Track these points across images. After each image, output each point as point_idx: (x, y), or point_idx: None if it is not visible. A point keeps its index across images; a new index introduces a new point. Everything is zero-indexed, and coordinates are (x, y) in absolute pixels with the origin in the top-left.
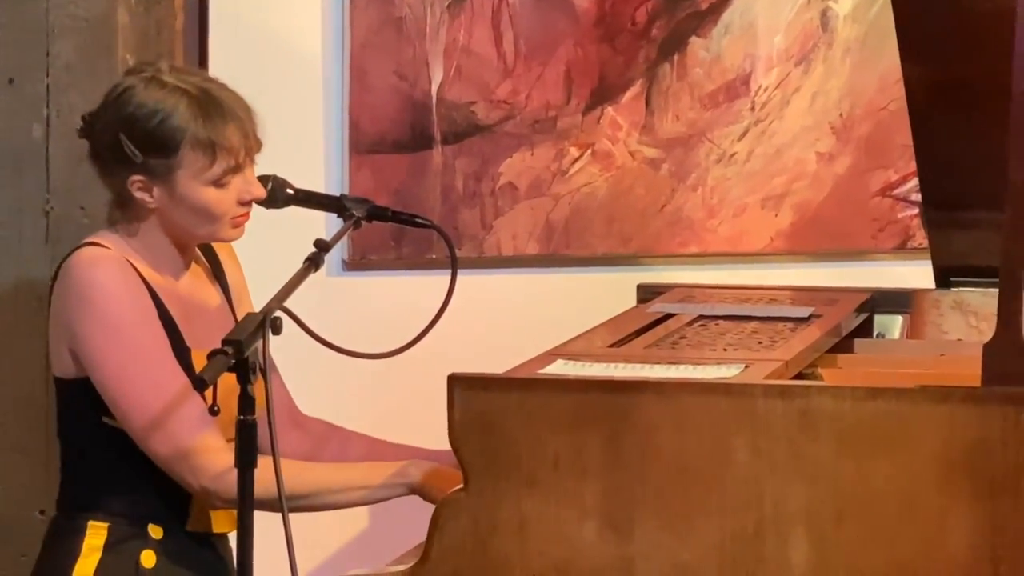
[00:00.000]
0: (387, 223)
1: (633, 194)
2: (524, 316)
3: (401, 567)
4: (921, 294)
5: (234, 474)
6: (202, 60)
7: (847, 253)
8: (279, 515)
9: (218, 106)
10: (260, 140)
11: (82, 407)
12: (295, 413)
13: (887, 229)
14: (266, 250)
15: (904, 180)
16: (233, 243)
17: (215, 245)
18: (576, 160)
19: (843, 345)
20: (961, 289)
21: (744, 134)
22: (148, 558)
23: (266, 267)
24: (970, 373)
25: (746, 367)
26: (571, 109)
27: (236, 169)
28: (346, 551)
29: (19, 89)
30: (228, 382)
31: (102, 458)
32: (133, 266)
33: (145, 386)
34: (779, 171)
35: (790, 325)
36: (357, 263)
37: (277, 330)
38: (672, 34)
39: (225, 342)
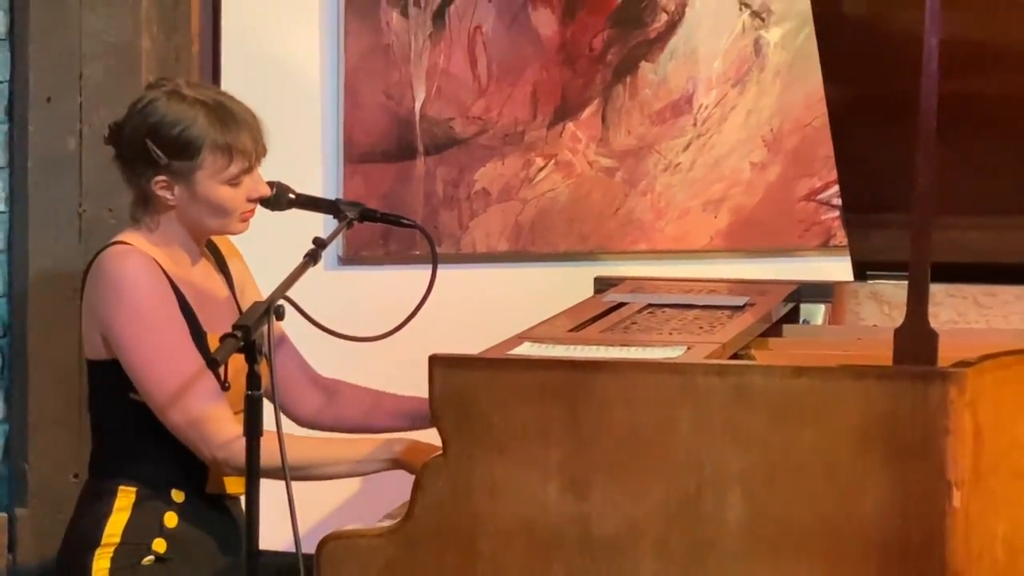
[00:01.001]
0: (376, 223)
1: (591, 198)
2: (495, 305)
3: (389, 522)
4: (841, 286)
5: (240, 442)
6: (215, 82)
7: (777, 250)
8: (281, 481)
9: (232, 115)
10: (266, 146)
11: (111, 385)
12: (310, 372)
13: (812, 229)
14: (271, 247)
15: (826, 187)
16: (242, 240)
17: (217, 241)
18: (541, 169)
19: (773, 330)
20: (876, 281)
21: (687, 146)
22: (171, 519)
23: (271, 262)
24: (883, 354)
25: (688, 349)
26: (537, 124)
27: (248, 170)
28: (342, 510)
29: (55, 106)
30: (238, 362)
31: (128, 430)
32: (156, 263)
33: (165, 366)
34: (718, 179)
35: (727, 312)
36: (350, 259)
37: (280, 316)
38: (624, 59)
39: (235, 327)
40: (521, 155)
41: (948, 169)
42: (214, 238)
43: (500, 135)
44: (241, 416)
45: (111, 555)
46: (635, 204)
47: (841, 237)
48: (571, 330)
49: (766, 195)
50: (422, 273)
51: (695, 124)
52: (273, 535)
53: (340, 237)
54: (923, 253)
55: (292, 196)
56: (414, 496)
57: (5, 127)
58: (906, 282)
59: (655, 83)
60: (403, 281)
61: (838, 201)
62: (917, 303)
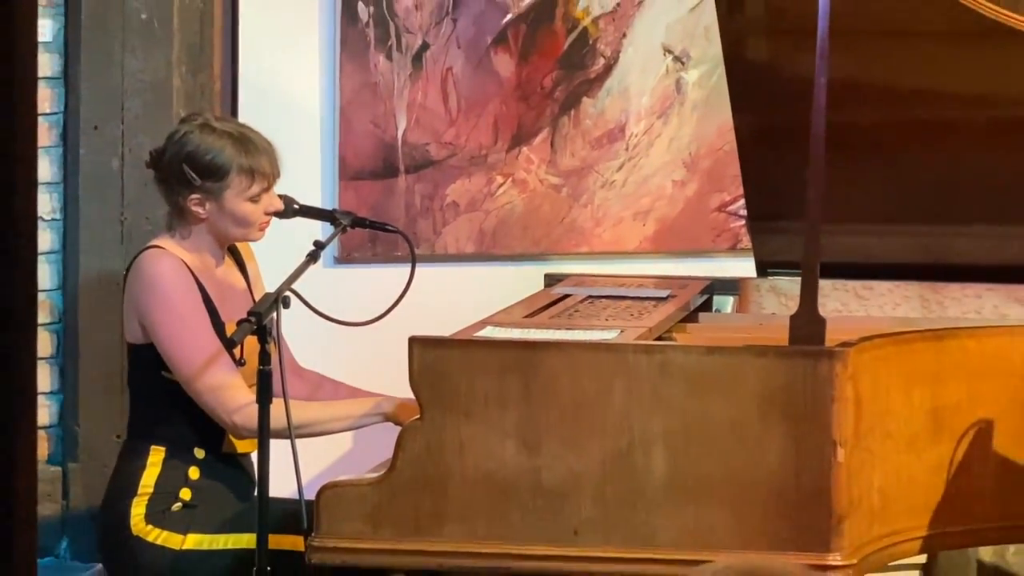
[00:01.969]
0: (366, 230)
1: (541, 210)
2: (464, 296)
3: (375, 475)
4: (746, 281)
5: (252, 408)
6: (234, 114)
7: (693, 252)
8: (287, 440)
9: (254, 144)
10: (280, 169)
11: (146, 364)
12: (296, 367)
13: (722, 235)
14: (279, 248)
15: (734, 200)
16: (255, 243)
17: (238, 245)
18: (501, 185)
19: (691, 317)
20: (774, 277)
21: (620, 167)
22: (194, 472)
23: (279, 260)
24: (781, 337)
25: (621, 332)
26: (497, 149)
27: (267, 189)
28: (337, 464)
29: (102, 133)
30: (251, 343)
31: (160, 401)
32: (184, 262)
33: (191, 347)
34: (645, 193)
35: (653, 303)
36: (344, 258)
37: (287, 305)
38: (569, 96)
39: (249, 313)
40: (484, 174)
41: (833, 185)
42: (235, 243)
43: (467, 157)
44: (254, 388)
45: (146, 502)
46: (578, 214)
47: (746, 241)
48: (526, 316)
49: (685, 207)
50: (403, 271)
51: (627, 149)
52: (279, 485)
53: (335, 241)
54: (813, 254)
55: (297, 207)
56: (396, 453)
57: (59, 150)
58: (799, 278)
59: (594, 115)
60: (387, 277)
61: (744, 212)
62: (808, 295)
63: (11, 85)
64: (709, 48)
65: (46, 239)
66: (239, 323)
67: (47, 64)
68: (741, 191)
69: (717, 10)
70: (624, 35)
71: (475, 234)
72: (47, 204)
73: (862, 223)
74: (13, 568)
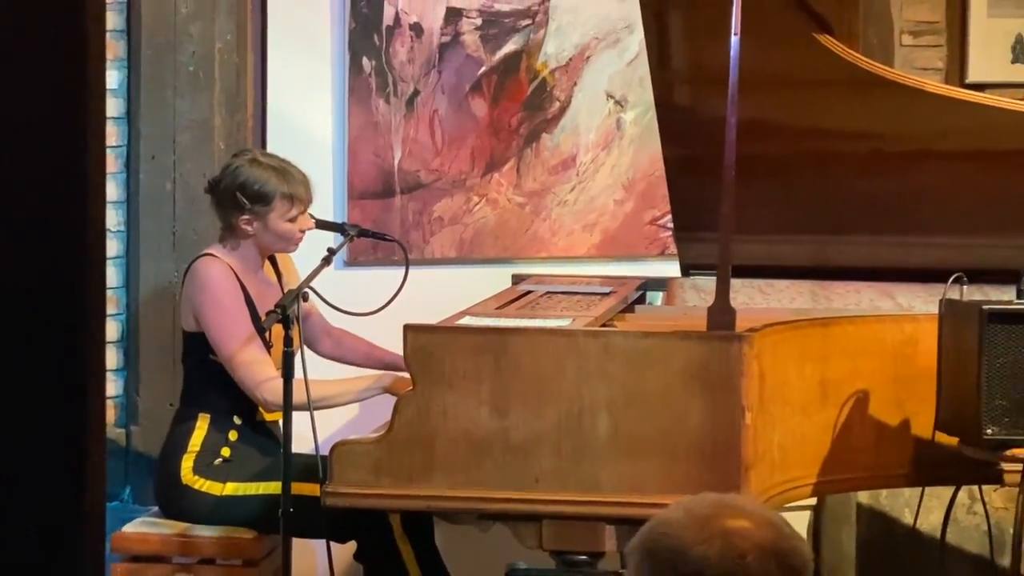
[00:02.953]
0: (369, 239)
1: (509, 223)
2: (447, 292)
3: (377, 435)
4: (672, 280)
5: (275, 382)
6: (263, 146)
7: (631, 257)
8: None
9: (292, 176)
10: (313, 195)
11: (196, 348)
12: (326, 326)
13: (653, 243)
14: (300, 254)
15: (663, 215)
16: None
17: (276, 255)
18: (477, 204)
19: (629, 308)
20: (695, 277)
21: (572, 189)
22: (233, 434)
23: (300, 263)
24: (701, 324)
25: (573, 320)
26: (474, 175)
27: (303, 211)
28: (346, 427)
29: (157, 162)
30: (278, 330)
31: (206, 378)
32: (231, 267)
33: (231, 334)
34: (592, 210)
35: (599, 297)
36: (352, 262)
37: (305, 299)
38: (531, 132)
39: (276, 305)
40: (463, 194)
41: (741, 203)
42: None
43: (450, 181)
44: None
45: (193, 458)
46: (538, 226)
47: (672, 248)
48: (497, 308)
49: (624, 221)
50: (399, 272)
51: (577, 175)
52: (300, 443)
53: (345, 248)
54: (726, 258)
55: (315, 220)
56: (393, 417)
57: (123, 175)
58: (715, 277)
59: (551, 148)
60: (386, 277)
61: (670, 224)
62: (722, 291)
63: (85, 124)
64: (643, 94)
65: (113, 247)
66: (268, 313)
67: (113, 107)
68: (668, 208)
69: (649, 64)
70: (575, 83)
71: (456, 242)
72: (113, 219)
73: (764, 234)
74: (87, 511)
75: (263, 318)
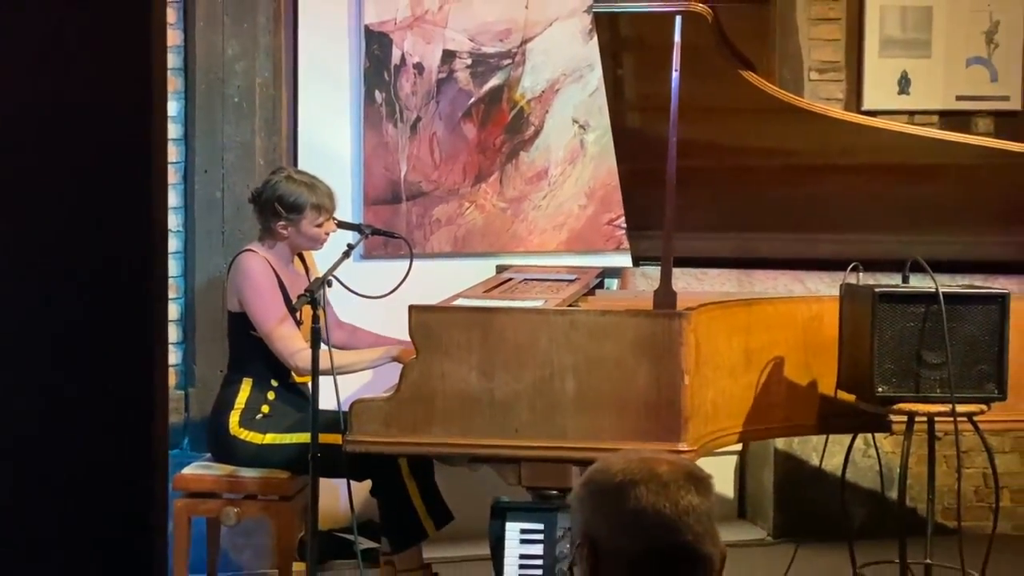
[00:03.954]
0: (381, 236)
1: (494, 224)
2: (443, 279)
3: (387, 394)
4: (626, 269)
5: (306, 352)
6: (295, 164)
7: (591, 251)
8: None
9: (320, 190)
10: (336, 205)
11: (240, 326)
12: (338, 321)
13: (610, 240)
14: (325, 248)
15: (618, 217)
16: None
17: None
18: (468, 209)
19: (590, 292)
20: (644, 267)
21: (544, 196)
22: (271, 395)
23: (325, 256)
24: (648, 304)
25: (545, 301)
26: (466, 185)
27: (328, 219)
28: (362, 388)
29: (209, 176)
30: (307, 311)
31: (249, 350)
32: (268, 261)
33: (269, 315)
34: (560, 214)
35: (566, 283)
36: (367, 255)
37: (329, 284)
38: (512, 150)
39: (305, 290)
40: (457, 201)
41: (681, 208)
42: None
43: (446, 191)
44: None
45: (239, 414)
46: (517, 227)
47: (625, 243)
48: (484, 292)
49: (586, 222)
50: (404, 263)
51: (549, 185)
52: (325, 401)
53: (361, 244)
54: (668, 251)
55: (337, 223)
56: (400, 380)
57: (182, 186)
58: (660, 267)
59: (528, 163)
60: (394, 267)
61: (624, 225)
62: (665, 277)
63: (151, 146)
64: (601, 119)
65: (173, 244)
66: (298, 296)
67: (173, 130)
68: (622, 211)
69: (606, 95)
70: (547, 111)
71: (451, 239)
72: (174, 221)
73: (699, 232)
74: (155, 456)
75: (295, 301)
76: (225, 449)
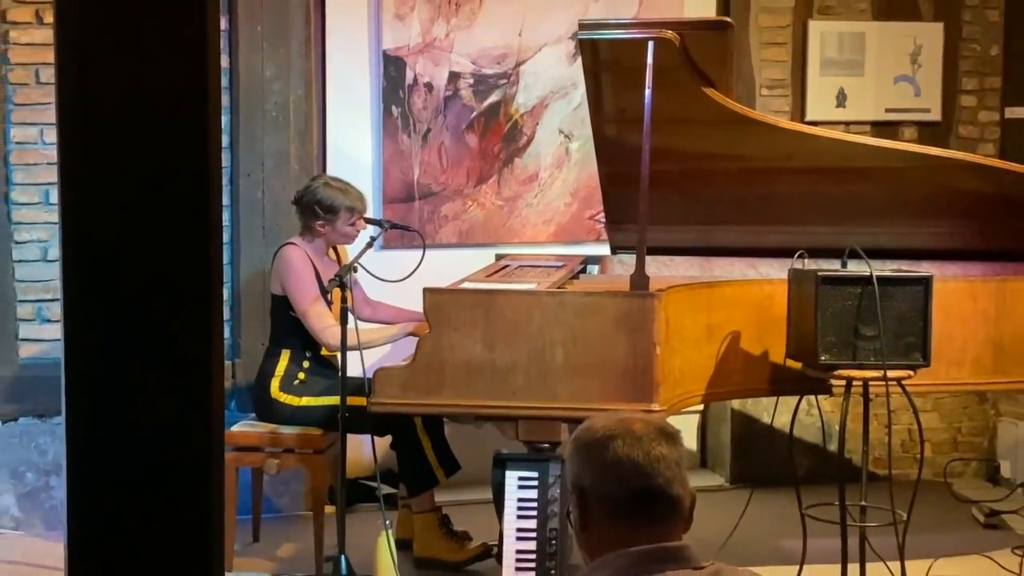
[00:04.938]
0: (397, 230)
1: (493, 219)
2: (451, 266)
3: (405, 363)
4: (605, 257)
5: (335, 328)
6: (323, 170)
7: (576, 241)
8: (355, 349)
9: (352, 194)
10: (366, 207)
11: (281, 306)
12: (366, 297)
13: (591, 232)
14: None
15: (598, 213)
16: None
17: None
18: (471, 206)
19: (575, 276)
20: (621, 255)
21: (536, 196)
22: (306, 364)
23: (351, 247)
24: (624, 286)
25: (538, 284)
26: (469, 186)
27: (360, 218)
28: (383, 359)
29: (251, 179)
30: (337, 293)
31: (287, 327)
32: (306, 253)
33: (305, 298)
34: (549, 210)
35: (555, 268)
36: (386, 246)
37: (355, 271)
38: (508, 157)
39: (335, 275)
40: (462, 200)
41: (653, 205)
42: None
43: (452, 191)
44: (338, 319)
45: (279, 380)
46: (513, 221)
47: (604, 235)
48: (486, 276)
49: (571, 217)
50: (418, 252)
51: (539, 186)
52: (352, 369)
53: (381, 236)
54: (642, 242)
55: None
56: (416, 351)
57: (229, 187)
58: (634, 255)
59: (521, 168)
60: (410, 256)
61: (603, 219)
62: (640, 264)
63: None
64: (584, 130)
65: (222, 236)
66: (329, 281)
67: (221, 140)
68: (602, 207)
69: (589, 109)
70: (537, 123)
71: (457, 233)
72: (222, 218)
73: (668, 225)
74: (212, 415)
75: (326, 284)
76: (267, 410)
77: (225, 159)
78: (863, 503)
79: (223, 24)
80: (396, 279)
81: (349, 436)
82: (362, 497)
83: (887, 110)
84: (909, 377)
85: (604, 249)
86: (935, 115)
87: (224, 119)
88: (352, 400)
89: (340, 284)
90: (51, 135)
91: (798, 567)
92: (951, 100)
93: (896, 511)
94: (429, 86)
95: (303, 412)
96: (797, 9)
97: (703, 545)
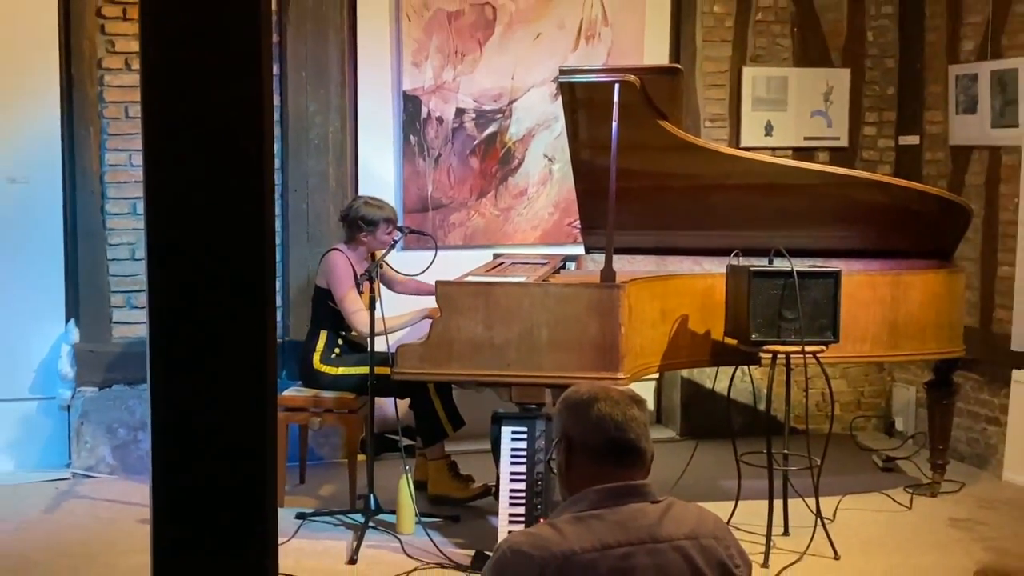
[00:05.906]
0: (415, 234)
1: (491, 226)
2: (457, 264)
3: (421, 341)
4: (581, 256)
5: (363, 313)
6: (355, 190)
7: (558, 244)
8: (380, 333)
9: (387, 209)
10: (398, 219)
11: (323, 297)
12: (398, 277)
13: (570, 236)
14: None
15: (575, 220)
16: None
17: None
18: (473, 215)
19: (557, 272)
20: (593, 254)
21: (525, 207)
22: (340, 341)
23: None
24: (596, 279)
25: (527, 277)
26: (472, 199)
27: (394, 228)
28: (404, 338)
29: (298, 194)
30: (367, 286)
31: (326, 313)
32: (348, 257)
33: (343, 288)
34: (536, 219)
35: (540, 265)
36: (406, 247)
37: (381, 267)
38: (502, 176)
39: (366, 271)
40: (466, 211)
41: (619, 214)
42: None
43: (458, 204)
44: (367, 307)
45: (319, 354)
46: (507, 227)
47: (580, 239)
48: (486, 272)
49: (553, 224)
50: (431, 253)
51: (528, 200)
52: (379, 345)
53: (402, 239)
54: (610, 244)
55: None
56: (430, 331)
57: (280, 201)
58: (604, 254)
59: (514, 185)
60: (424, 256)
61: (579, 226)
62: (608, 261)
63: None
64: (564, 154)
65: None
66: (360, 275)
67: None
68: (578, 216)
69: (568, 137)
70: (527, 149)
71: (462, 236)
72: (275, 225)
73: (630, 230)
74: (267, 381)
75: (359, 277)
76: (310, 378)
77: (277, 179)
78: (786, 451)
79: (275, 70)
80: (414, 273)
81: (377, 399)
82: (387, 447)
83: (805, 138)
84: (822, 351)
85: (579, 249)
86: (843, 142)
87: (276, 146)
88: (379, 370)
89: (369, 278)
90: (138, 159)
91: (734, 502)
92: (856, 130)
93: (812, 458)
94: (440, 119)
95: (340, 380)
96: (733, 58)
97: (659, 485)
